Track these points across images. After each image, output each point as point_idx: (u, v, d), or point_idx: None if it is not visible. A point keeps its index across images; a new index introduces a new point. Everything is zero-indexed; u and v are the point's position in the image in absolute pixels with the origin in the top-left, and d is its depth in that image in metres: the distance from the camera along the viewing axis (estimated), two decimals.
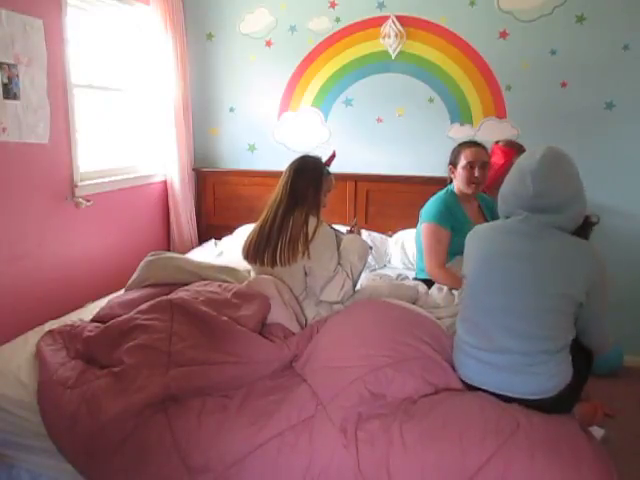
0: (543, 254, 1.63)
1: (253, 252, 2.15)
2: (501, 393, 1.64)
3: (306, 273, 2.09)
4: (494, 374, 1.66)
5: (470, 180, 2.46)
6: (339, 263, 2.11)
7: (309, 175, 2.14)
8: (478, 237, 1.82)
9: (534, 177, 1.61)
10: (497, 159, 2.84)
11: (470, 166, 2.45)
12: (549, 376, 1.62)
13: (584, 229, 1.70)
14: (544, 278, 1.61)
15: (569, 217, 1.64)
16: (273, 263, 2.08)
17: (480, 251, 1.77)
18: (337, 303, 2.11)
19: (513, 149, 2.81)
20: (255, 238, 2.15)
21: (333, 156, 2.28)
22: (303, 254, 2.03)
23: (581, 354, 1.71)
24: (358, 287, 2.27)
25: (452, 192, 2.55)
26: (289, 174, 2.15)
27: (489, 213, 2.63)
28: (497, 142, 2.92)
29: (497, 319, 1.66)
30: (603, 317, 1.68)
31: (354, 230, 2.31)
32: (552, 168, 1.61)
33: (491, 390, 1.66)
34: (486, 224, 1.92)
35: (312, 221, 2.08)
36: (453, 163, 2.53)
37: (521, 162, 1.69)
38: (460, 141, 2.67)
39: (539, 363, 1.61)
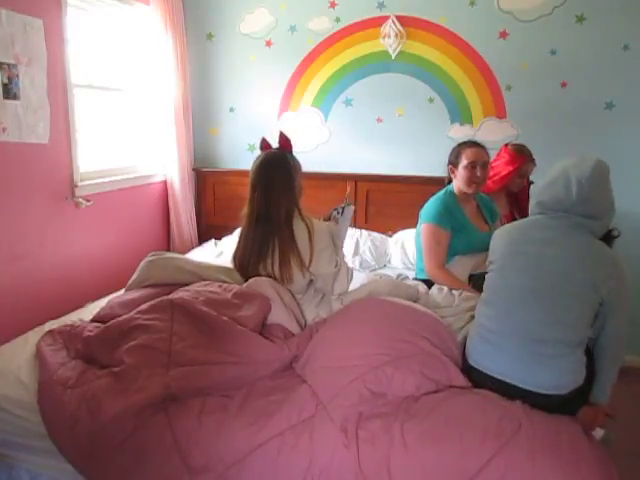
0: (572, 244, 1.69)
1: (242, 275, 2.14)
2: (510, 383, 1.65)
3: (311, 280, 2.09)
4: (508, 361, 1.67)
5: (472, 180, 2.46)
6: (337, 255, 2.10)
7: (280, 175, 2.02)
8: (507, 229, 1.90)
9: (582, 186, 1.68)
10: (505, 163, 2.81)
11: (472, 166, 2.45)
12: (563, 372, 1.63)
13: (606, 240, 1.78)
14: (572, 263, 1.66)
15: (602, 224, 1.74)
16: None
17: (509, 238, 1.83)
18: (343, 292, 2.12)
19: (524, 155, 2.79)
20: (238, 263, 2.12)
21: (286, 139, 2.10)
22: (303, 274, 2.01)
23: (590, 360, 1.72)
24: (358, 286, 2.27)
25: (451, 192, 2.55)
26: (261, 184, 2.00)
27: (487, 213, 2.63)
28: (507, 145, 2.90)
29: (521, 301, 1.69)
30: (620, 331, 1.68)
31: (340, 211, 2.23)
32: (601, 180, 1.70)
33: (501, 378, 1.67)
34: (515, 222, 1.96)
35: (302, 232, 1.99)
36: (453, 163, 2.53)
37: (568, 169, 1.73)
38: (460, 141, 2.66)
39: (556, 356, 1.62)
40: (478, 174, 2.45)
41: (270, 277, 2.04)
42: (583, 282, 1.63)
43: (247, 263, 2.09)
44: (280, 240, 2.00)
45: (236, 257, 2.14)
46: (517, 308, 1.69)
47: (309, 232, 2.00)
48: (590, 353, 1.71)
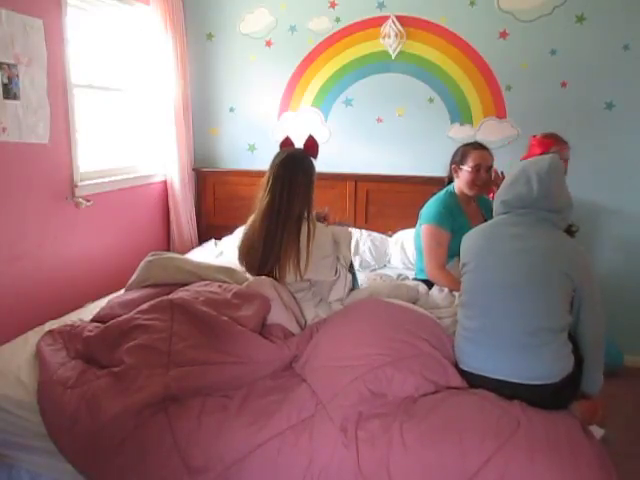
0: (540, 236, 1.76)
1: (248, 267, 2.14)
2: (504, 379, 1.66)
3: (310, 282, 2.09)
4: (498, 358, 1.68)
5: (474, 183, 2.47)
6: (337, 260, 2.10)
7: (303, 171, 2.05)
8: (476, 231, 1.94)
9: (542, 180, 1.76)
10: (534, 150, 2.74)
11: (476, 169, 2.45)
12: (552, 359, 1.65)
13: (568, 234, 1.86)
14: (543, 254, 1.72)
15: (563, 218, 1.81)
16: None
17: (480, 238, 1.88)
18: (340, 300, 2.11)
19: (552, 139, 2.73)
20: (247, 254, 2.12)
21: (314, 143, 2.11)
22: (296, 276, 2.01)
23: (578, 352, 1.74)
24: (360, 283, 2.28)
25: (452, 193, 2.55)
26: (284, 178, 2.02)
27: (487, 214, 2.63)
28: (535, 136, 2.82)
29: (500, 296, 1.72)
30: (596, 310, 1.74)
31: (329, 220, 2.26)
32: (558, 174, 1.79)
33: (494, 377, 1.67)
34: (483, 223, 2.00)
35: (304, 235, 2.00)
36: (457, 163, 2.52)
37: (527, 167, 1.83)
38: (460, 141, 2.66)
39: (543, 344, 1.65)
40: (482, 177, 2.46)
41: (268, 272, 2.04)
42: (556, 270, 1.69)
43: (254, 253, 2.08)
44: (286, 238, 2.00)
45: (247, 244, 2.12)
46: (497, 304, 1.73)
47: (308, 237, 2.00)
48: (575, 340, 1.75)
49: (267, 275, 2.06)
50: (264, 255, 2.05)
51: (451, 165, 2.56)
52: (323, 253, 2.03)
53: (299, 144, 2.18)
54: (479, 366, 1.72)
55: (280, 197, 2.02)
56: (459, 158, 2.52)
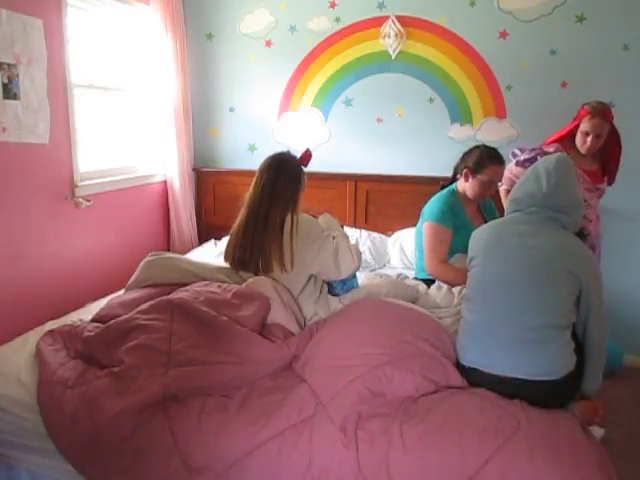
0: (547, 235, 1.77)
1: (232, 263, 2.16)
2: (503, 375, 1.66)
3: (313, 275, 2.10)
4: (500, 353, 1.69)
5: (483, 196, 2.50)
6: (333, 237, 2.12)
7: (289, 173, 2.11)
8: (486, 227, 1.96)
9: (550, 175, 1.78)
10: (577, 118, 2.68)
11: (488, 185, 2.46)
12: (554, 356, 1.66)
13: (579, 237, 1.85)
14: (551, 251, 1.73)
15: (574, 220, 1.81)
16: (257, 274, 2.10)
17: (489, 234, 1.90)
18: (357, 268, 2.12)
19: (584, 108, 2.65)
20: (233, 251, 2.14)
21: (309, 155, 2.20)
22: (281, 269, 2.02)
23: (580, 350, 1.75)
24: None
25: (454, 192, 2.55)
26: (270, 173, 2.09)
27: (487, 213, 2.64)
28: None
29: (501, 292, 1.74)
30: (602, 311, 1.74)
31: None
32: (566, 171, 1.81)
33: (494, 372, 1.67)
34: (493, 220, 2.03)
35: (287, 228, 2.03)
36: (472, 170, 2.46)
37: (537, 165, 1.87)
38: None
39: (543, 341, 1.65)
40: (490, 192, 2.50)
41: (253, 264, 2.07)
42: (562, 268, 1.70)
43: (234, 248, 2.11)
44: (269, 231, 2.03)
45: (230, 240, 2.16)
46: (498, 299, 1.74)
47: (292, 229, 2.03)
48: (577, 339, 1.75)
49: (252, 270, 2.09)
50: (242, 249, 2.08)
51: (461, 165, 2.53)
52: (310, 238, 2.05)
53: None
54: (479, 361, 1.72)
55: (262, 194, 2.07)
56: (475, 165, 2.45)
